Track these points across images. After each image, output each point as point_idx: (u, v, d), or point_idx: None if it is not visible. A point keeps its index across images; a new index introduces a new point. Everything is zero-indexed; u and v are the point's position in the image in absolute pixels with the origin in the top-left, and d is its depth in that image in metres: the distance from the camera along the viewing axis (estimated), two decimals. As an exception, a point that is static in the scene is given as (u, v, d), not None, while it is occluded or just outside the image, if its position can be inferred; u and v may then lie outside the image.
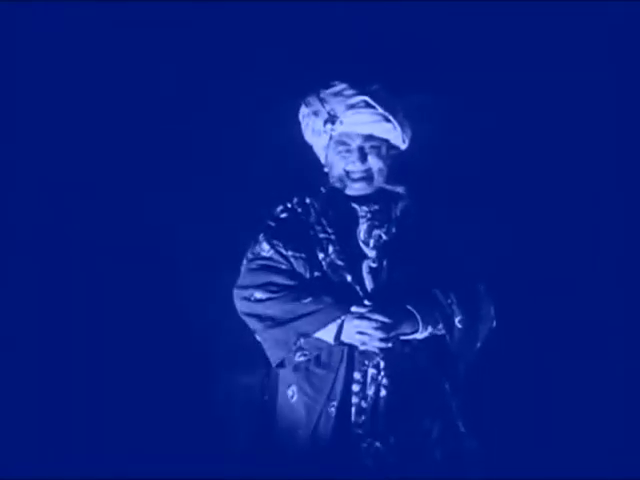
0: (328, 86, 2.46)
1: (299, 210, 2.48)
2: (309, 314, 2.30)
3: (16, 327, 2.79)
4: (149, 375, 2.84)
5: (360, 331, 2.27)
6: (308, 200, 2.50)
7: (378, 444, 2.26)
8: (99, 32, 2.87)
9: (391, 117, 2.40)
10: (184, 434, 2.80)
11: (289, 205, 2.51)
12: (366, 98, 2.39)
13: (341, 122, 2.40)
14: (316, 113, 2.44)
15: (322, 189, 2.52)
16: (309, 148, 2.59)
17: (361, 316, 2.28)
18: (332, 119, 2.42)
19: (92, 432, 2.80)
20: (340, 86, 2.44)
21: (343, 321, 2.29)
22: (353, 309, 2.29)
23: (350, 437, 2.26)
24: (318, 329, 2.30)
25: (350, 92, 2.41)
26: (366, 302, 2.30)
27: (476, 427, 2.38)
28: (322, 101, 2.43)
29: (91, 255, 2.88)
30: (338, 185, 2.47)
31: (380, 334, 2.25)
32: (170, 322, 2.89)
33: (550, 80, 2.91)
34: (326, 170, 2.53)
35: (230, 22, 2.92)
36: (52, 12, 2.83)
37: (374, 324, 2.26)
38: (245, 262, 2.48)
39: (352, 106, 2.40)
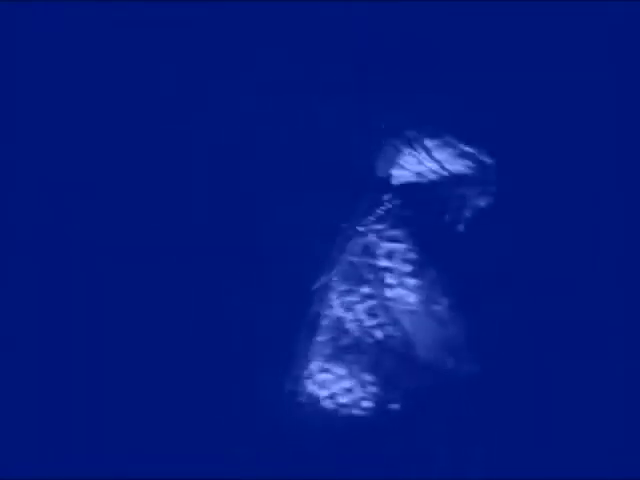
0: None
1: None
2: None
3: (22, 327, 2.81)
4: (153, 375, 2.84)
5: None
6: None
7: None
8: (99, 32, 2.87)
9: None
10: (189, 434, 2.81)
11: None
12: None
13: None
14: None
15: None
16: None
17: None
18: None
19: (93, 431, 2.80)
20: None
21: None
22: None
23: None
24: None
25: None
26: None
27: (480, 428, 2.40)
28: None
29: (98, 259, 2.89)
30: None
31: None
32: (176, 322, 2.90)
33: (551, 81, 2.92)
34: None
35: (234, 24, 2.93)
36: (52, 12, 2.83)
37: None
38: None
39: None
